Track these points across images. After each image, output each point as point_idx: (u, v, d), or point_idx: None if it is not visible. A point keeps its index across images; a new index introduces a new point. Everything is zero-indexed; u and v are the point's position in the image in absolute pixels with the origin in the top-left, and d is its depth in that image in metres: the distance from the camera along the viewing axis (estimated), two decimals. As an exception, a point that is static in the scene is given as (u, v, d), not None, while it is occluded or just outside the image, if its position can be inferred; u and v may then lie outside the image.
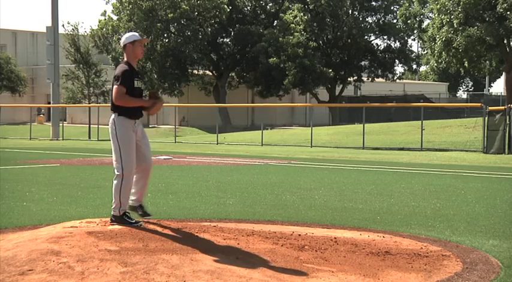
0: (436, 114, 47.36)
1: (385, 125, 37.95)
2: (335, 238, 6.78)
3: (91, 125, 42.61)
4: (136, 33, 6.91)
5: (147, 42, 7.47)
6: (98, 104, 42.99)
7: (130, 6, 53.95)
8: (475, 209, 9.82)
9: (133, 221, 6.62)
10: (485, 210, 9.71)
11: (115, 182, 6.62)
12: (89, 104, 44.96)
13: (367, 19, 59.94)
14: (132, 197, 6.78)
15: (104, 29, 57.08)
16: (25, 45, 78.22)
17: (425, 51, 64.20)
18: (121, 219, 6.59)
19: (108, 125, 6.73)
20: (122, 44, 6.82)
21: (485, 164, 19.69)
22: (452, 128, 33.19)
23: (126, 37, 6.78)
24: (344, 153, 25.22)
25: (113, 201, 6.63)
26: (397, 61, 60.93)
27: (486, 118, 25.06)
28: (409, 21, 59.34)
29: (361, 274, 5.50)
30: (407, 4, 59.87)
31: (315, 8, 56.10)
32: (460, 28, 36.57)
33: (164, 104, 7.14)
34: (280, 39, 52.70)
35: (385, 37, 60.38)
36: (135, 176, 6.73)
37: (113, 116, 6.66)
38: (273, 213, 9.03)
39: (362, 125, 30.30)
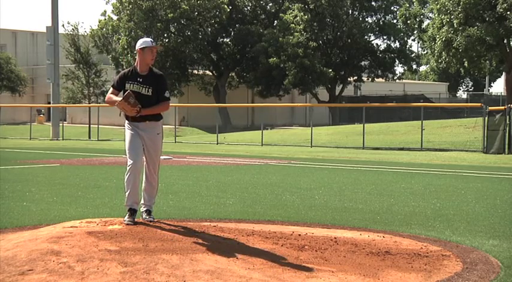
0: (436, 114, 47.39)
1: (385, 125, 37.96)
2: (335, 238, 6.78)
3: (91, 125, 42.62)
4: (149, 40, 6.91)
5: (159, 49, 7.55)
6: (98, 104, 42.97)
7: (130, 6, 53.94)
8: (475, 209, 9.82)
9: (126, 221, 6.66)
10: (485, 210, 9.71)
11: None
12: (89, 104, 44.96)
13: (367, 19, 59.96)
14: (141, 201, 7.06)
15: (104, 29, 57.07)
16: (25, 45, 78.19)
17: (425, 51, 64.21)
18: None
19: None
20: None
21: (485, 164, 19.68)
22: (452, 128, 33.20)
23: (137, 43, 6.86)
24: (344, 153, 25.22)
25: None
26: (397, 61, 60.94)
27: (486, 118, 25.06)
28: (409, 22, 59.33)
29: (361, 274, 5.50)
30: (407, 4, 59.86)
31: (315, 8, 56.09)
32: (460, 28, 36.55)
33: None
34: (280, 39, 52.68)
35: (385, 37, 60.38)
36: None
37: None
38: (273, 213, 9.03)
39: (362, 125, 30.31)
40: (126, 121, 6.96)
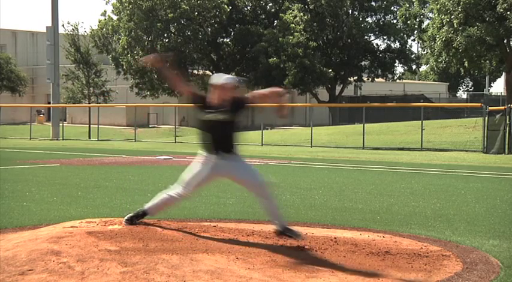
0: (436, 114, 47.39)
1: (385, 125, 37.98)
2: (335, 238, 6.77)
3: (91, 125, 42.63)
4: (232, 78, 6.78)
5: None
6: (98, 104, 43.02)
7: (130, 6, 53.95)
8: (475, 209, 9.82)
9: (125, 221, 6.65)
10: (485, 210, 9.71)
11: None
12: (89, 104, 44.98)
13: (367, 19, 60.00)
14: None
15: (104, 29, 57.09)
16: (25, 45, 78.18)
17: (425, 51, 64.26)
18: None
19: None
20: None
21: (485, 164, 19.68)
22: (452, 128, 33.22)
23: (216, 79, 6.74)
24: (344, 153, 25.21)
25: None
26: (397, 61, 60.96)
27: (486, 118, 25.07)
28: (409, 22, 59.41)
29: (361, 274, 5.50)
30: (407, 4, 59.95)
31: (315, 8, 56.10)
32: (460, 28, 36.58)
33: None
34: (280, 39, 52.70)
35: (385, 37, 60.41)
36: None
37: None
38: (273, 213, 9.01)
39: (362, 125, 30.32)
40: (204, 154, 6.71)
